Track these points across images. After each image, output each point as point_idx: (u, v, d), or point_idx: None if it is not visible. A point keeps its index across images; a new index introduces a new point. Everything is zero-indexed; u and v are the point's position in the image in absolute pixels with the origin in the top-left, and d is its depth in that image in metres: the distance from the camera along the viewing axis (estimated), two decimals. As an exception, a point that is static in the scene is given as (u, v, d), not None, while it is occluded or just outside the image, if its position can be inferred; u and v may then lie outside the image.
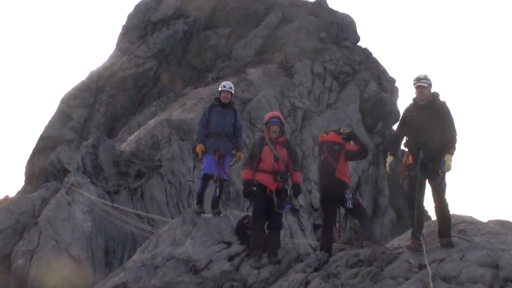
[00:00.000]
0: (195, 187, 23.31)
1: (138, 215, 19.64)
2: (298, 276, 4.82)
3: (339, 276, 5.00)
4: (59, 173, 21.13)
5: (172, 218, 18.38)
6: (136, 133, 27.09)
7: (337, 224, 9.73)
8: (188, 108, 28.83)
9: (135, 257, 10.30)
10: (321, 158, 9.80)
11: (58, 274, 14.92)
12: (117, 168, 22.73)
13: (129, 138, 26.86)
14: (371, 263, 7.64)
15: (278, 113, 9.90)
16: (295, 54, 34.93)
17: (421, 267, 7.29)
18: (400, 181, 8.70)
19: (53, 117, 34.85)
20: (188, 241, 9.58)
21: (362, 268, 7.32)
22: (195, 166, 24.13)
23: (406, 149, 8.40)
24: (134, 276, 8.27)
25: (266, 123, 9.38)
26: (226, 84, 11.08)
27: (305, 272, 7.47)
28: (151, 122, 27.06)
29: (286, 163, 9.17)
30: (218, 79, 32.31)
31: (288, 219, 24.57)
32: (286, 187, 9.17)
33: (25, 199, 17.79)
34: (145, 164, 23.21)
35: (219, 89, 11.10)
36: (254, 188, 9.01)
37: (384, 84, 36.02)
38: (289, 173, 9.22)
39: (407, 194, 8.45)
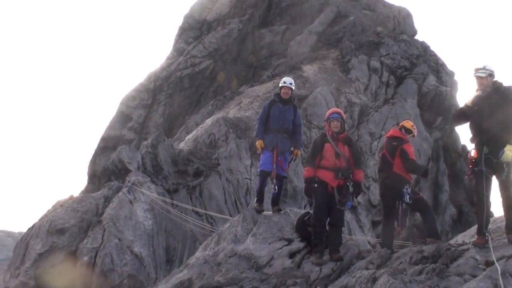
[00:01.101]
0: (252, 185, 23.41)
1: (197, 213, 19.91)
2: (365, 272, 4.76)
3: (405, 273, 4.90)
4: (120, 172, 21.64)
5: (231, 216, 18.52)
6: (193, 132, 27.42)
7: (397, 221, 9.61)
8: (245, 106, 28.96)
9: (198, 254, 10.43)
10: (380, 154, 9.79)
11: (121, 270, 15.29)
12: (176, 167, 23.10)
13: (187, 137, 27.21)
14: (435, 260, 7.46)
15: (339, 109, 9.82)
16: (351, 49, 34.53)
17: (488, 264, 7.06)
18: (466, 177, 8.50)
19: (113, 118, 35.73)
20: (249, 238, 9.63)
21: (427, 265, 7.16)
22: (252, 164, 24.24)
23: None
24: (197, 272, 8.39)
25: (327, 119, 9.29)
26: (287, 80, 11.07)
27: (367, 269, 7.39)
28: (208, 121, 27.33)
29: (348, 160, 9.08)
30: (273, 77, 32.34)
31: (346, 216, 24.22)
32: (348, 184, 9.09)
33: (89, 198, 18.30)
34: (203, 162, 23.48)
35: (280, 85, 11.10)
36: (316, 185, 8.97)
37: (443, 77, 35.11)
38: (350, 170, 9.12)
39: (474, 190, 8.22)
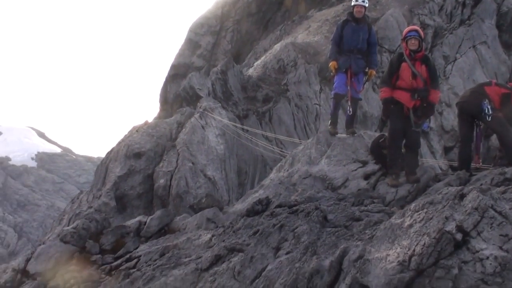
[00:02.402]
0: (322, 110, 23.27)
1: (267, 138, 20.08)
2: (452, 189, 4.67)
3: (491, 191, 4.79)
4: (191, 98, 21.97)
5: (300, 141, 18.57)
6: (262, 58, 27.25)
7: (474, 145, 9.26)
8: (313, 30, 28.35)
9: (272, 175, 10.59)
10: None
11: (195, 193, 15.78)
12: (245, 92, 23.19)
13: (255, 63, 27.12)
14: (518, 182, 7.23)
15: (416, 27, 9.37)
16: (425, -32, 32.77)
17: None
18: None
19: (182, 46, 35.93)
20: (324, 160, 9.63)
21: (510, 186, 6.96)
22: (321, 89, 23.99)
23: None
24: (273, 192, 8.52)
25: (404, 38, 8.89)
26: None
27: (445, 191, 7.25)
28: (277, 46, 27.03)
29: (425, 80, 8.73)
30: (343, 0, 31.35)
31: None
32: (425, 105, 8.79)
33: (163, 123, 18.76)
34: (272, 88, 23.44)
35: (352, 3, 10.74)
36: (392, 106, 8.75)
37: (526, -5, 32.88)
38: (427, 91, 8.79)
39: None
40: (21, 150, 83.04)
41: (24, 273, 8.40)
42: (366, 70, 10.81)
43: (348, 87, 10.64)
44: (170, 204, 15.70)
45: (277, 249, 5.45)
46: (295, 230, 5.51)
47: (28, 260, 8.62)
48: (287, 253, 5.27)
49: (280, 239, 5.55)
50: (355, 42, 10.56)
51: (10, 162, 73.85)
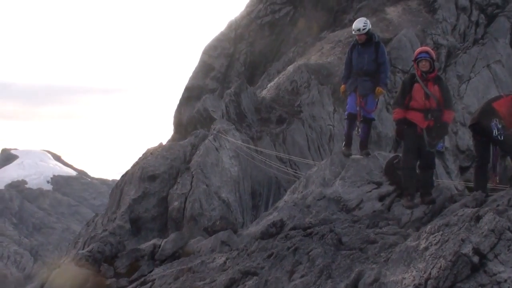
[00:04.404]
0: (335, 131, 23.25)
1: (281, 160, 20.07)
2: (468, 210, 4.62)
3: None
4: (205, 120, 22.10)
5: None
6: (275, 80, 27.35)
7: (490, 164, 9.16)
8: (326, 52, 28.46)
9: (286, 197, 10.56)
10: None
11: (209, 215, 15.78)
12: (259, 114, 23.26)
13: (269, 85, 27.21)
14: (536, 203, 7.14)
15: (427, 48, 9.34)
16: (437, -12, 32.82)
17: None
18: None
19: (196, 68, 36.16)
20: (338, 182, 9.60)
21: (527, 207, 6.87)
22: (335, 110, 24.00)
23: None
24: (287, 214, 8.49)
25: (415, 59, 8.89)
26: (355, 27, 10.66)
27: (461, 212, 7.16)
28: (290, 68, 27.14)
29: (438, 100, 8.71)
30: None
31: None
32: (438, 125, 8.75)
33: (177, 146, 18.84)
34: (285, 109, 23.50)
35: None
36: (405, 127, 8.73)
37: (539, 14, 32.74)
38: (440, 111, 8.76)
39: None
40: (37, 174, 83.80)
41: (39, 297, 8.42)
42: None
43: (358, 108, 10.65)
44: (184, 226, 15.68)
45: (292, 272, 5.41)
46: (310, 253, 5.47)
47: (43, 284, 8.64)
48: (302, 276, 5.23)
49: (295, 262, 5.51)
50: (360, 64, 10.62)
51: (26, 186, 74.55)
